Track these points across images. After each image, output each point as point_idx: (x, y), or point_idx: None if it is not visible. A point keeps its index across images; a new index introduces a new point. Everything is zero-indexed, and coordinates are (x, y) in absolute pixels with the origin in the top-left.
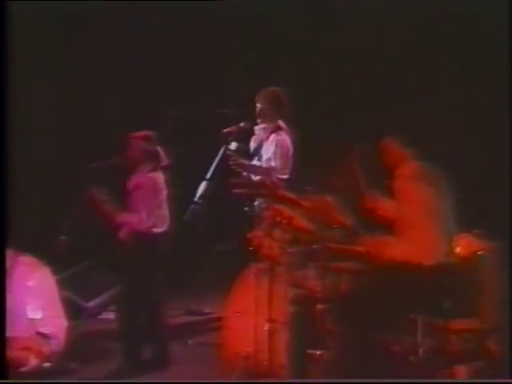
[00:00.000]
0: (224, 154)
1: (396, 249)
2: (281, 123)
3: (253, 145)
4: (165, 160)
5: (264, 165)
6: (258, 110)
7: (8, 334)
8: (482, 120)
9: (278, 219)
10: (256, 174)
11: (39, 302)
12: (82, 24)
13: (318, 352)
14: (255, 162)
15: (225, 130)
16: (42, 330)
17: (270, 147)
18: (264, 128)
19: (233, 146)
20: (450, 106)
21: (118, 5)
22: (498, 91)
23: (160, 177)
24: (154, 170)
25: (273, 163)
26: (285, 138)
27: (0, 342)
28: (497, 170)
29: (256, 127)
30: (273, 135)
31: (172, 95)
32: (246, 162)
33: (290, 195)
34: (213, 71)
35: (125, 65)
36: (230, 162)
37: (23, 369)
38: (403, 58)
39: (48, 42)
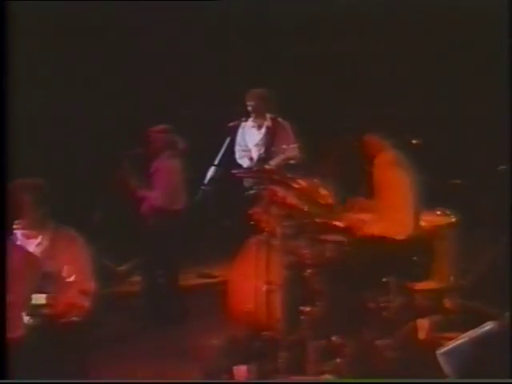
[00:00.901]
0: (229, 143)
1: (374, 224)
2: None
3: (263, 136)
4: (182, 145)
5: (283, 156)
6: (251, 107)
7: (55, 293)
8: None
9: (274, 198)
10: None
11: (78, 267)
12: (82, 24)
13: (308, 308)
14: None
15: (230, 124)
16: (83, 288)
17: (283, 138)
18: (269, 122)
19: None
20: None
21: (119, 5)
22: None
23: (175, 163)
24: (171, 157)
25: (288, 151)
26: (289, 129)
27: (0, 341)
28: (457, 157)
29: (250, 123)
30: (280, 128)
31: (184, 95)
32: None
33: (284, 178)
34: (218, 72)
35: (125, 65)
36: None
37: (65, 320)
38: (394, 60)
39: (48, 42)
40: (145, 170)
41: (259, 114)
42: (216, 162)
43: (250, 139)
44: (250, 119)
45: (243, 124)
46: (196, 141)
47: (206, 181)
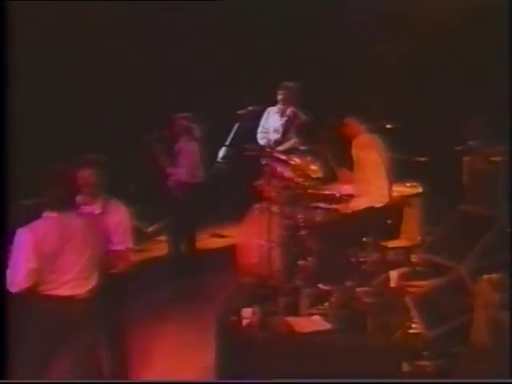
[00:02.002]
0: (238, 128)
1: (355, 193)
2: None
3: (283, 123)
4: (198, 133)
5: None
6: (281, 96)
7: (112, 248)
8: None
9: (274, 173)
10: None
11: (124, 229)
12: (82, 24)
13: (302, 262)
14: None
15: (238, 112)
16: (128, 246)
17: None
18: (290, 113)
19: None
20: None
21: (119, 4)
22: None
23: (194, 145)
24: (190, 139)
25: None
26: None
27: (0, 341)
28: (422, 139)
29: (277, 110)
30: (297, 119)
31: (202, 89)
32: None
33: (283, 156)
34: (228, 70)
35: (125, 63)
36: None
37: (113, 270)
38: (374, 60)
39: (48, 42)
40: (169, 149)
41: (285, 103)
42: (227, 143)
43: (271, 123)
44: (277, 106)
45: (269, 109)
46: (211, 126)
47: (218, 159)
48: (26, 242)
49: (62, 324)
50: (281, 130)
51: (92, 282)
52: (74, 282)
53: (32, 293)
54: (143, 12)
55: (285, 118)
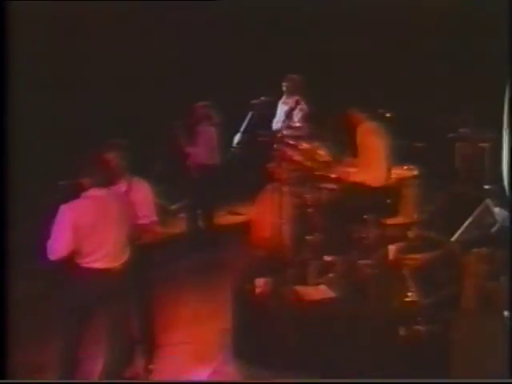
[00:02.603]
0: (251, 116)
1: (357, 176)
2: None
3: (285, 111)
4: (215, 120)
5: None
6: (285, 87)
7: (138, 222)
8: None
9: (285, 156)
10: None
11: (149, 205)
12: (82, 24)
13: (309, 237)
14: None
15: (252, 102)
16: (154, 219)
17: (300, 113)
18: (293, 101)
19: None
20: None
21: (118, 4)
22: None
23: (212, 130)
24: (209, 125)
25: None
26: (305, 111)
27: (0, 342)
28: (419, 127)
29: (283, 100)
30: (300, 106)
31: (220, 80)
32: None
33: (292, 142)
34: (244, 63)
35: (124, 62)
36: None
37: (141, 241)
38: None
39: (48, 41)
40: (190, 134)
41: (289, 94)
42: (242, 130)
43: (279, 112)
44: (283, 97)
45: (281, 100)
46: (228, 114)
47: (234, 144)
48: (66, 216)
49: (98, 293)
50: (283, 117)
51: (125, 255)
52: (109, 255)
53: (70, 266)
54: (143, 12)
55: (288, 107)
